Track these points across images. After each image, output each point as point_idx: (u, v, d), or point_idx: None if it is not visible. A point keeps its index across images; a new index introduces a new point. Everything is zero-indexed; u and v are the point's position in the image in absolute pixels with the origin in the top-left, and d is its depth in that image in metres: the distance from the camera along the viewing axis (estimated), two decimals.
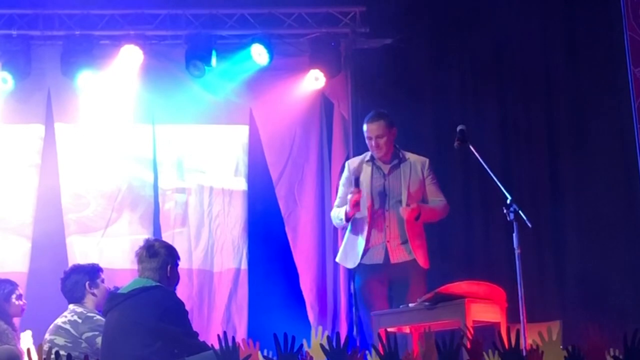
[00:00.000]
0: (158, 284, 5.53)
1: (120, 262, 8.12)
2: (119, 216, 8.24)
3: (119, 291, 5.76)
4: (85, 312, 6.22)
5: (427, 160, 6.85)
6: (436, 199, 6.79)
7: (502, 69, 8.47)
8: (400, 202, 6.69)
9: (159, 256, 5.59)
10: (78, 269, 6.47)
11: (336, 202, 6.99)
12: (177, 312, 5.45)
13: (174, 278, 5.67)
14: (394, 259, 6.65)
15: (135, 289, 5.52)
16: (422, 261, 6.69)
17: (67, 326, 6.16)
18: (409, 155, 6.86)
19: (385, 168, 6.79)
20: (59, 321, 6.25)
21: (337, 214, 6.85)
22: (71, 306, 6.35)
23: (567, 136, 8.29)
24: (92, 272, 6.42)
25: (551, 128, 8.35)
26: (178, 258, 5.71)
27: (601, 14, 8.18)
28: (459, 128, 6.46)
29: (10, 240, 8.02)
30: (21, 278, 7.49)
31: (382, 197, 6.72)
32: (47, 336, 6.20)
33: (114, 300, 5.57)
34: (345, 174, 6.92)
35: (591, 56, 8.20)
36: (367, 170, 6.78)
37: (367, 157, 6.83)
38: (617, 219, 7.97)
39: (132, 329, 5.32)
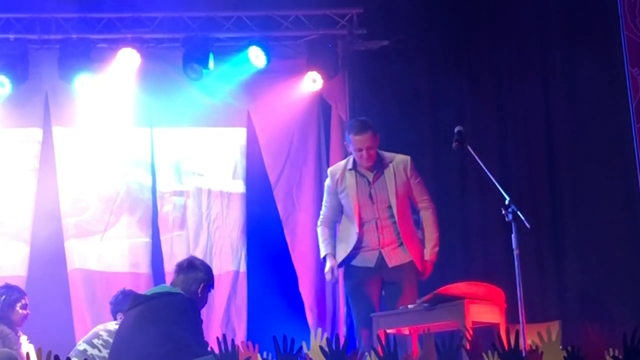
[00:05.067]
0: (180, 292, 5.59)
1: (119, 266, 8.12)
2: (118, 219, 8.23)
3: (142, 293, 5.82)
4: None
5: (409, 159, 6.71)
6: (422, 198, 6.70)
7: (500, 71, 8.47)
8: (390, 207, 6.59)
9: (198, 271, 5.69)
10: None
11: (323, 211, 6.83)
12: (191, 319, 5.49)
13: (203, 299, 5.74)
14: (391, 263, 6.57)
15: (159, 292, 5.63)
16: (418, 263, 6.61)
17: None
18: (390, 157, 6.71)
19: (370, 175, 6.64)
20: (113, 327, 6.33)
21: (320, 238, 6.76)
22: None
23: (565, 136, 8.29)
24: None
25: (549, 129, 8.34)
26: (213, 285, 5.81)
27: (598, 14, 8.18)
28: (456, 129, 6.45)
29: (9, 244, 8.02)
30: (20, 282, 7.48)
31: (369, 205, 6.62)
32: (105, 335, 6.33)
33: (136, 301, 5.64)
34: (329, 182, 6.77)
35: (589, 56, 8.20)
36: (350, 179, 6.65)
37: (350, 165, 6.69)
38: (615, 218, 7.96)
39: (145, 328, 5.37)
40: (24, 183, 8.12)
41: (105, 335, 6.32)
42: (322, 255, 6.76)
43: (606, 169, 8.06)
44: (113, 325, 6.42)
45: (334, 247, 6.69)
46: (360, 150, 6.58)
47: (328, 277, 6.69)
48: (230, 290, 8.18)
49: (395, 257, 6.59)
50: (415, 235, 6.70)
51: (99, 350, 6.28)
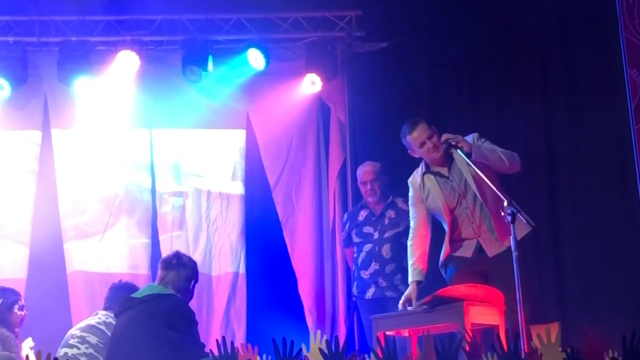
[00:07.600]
0: (172, 292, 5.58)
1: (119, 267, 8.13)
2: (117, 221, 8.24)
3: (132, 295, 5.80)
4: None
5: (475, 135, 6.35)
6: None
7: (499, 72, 8.47)
8: (473, 192, 6.26)
9: (187, 269, 5.70)
10: (128, 287, 6.55)
11: (411, 225, 6.49)
12: (187, 321, 5.48)
13: (192, 295, 5.78)
14: (491, 253, 6.29)
15: (150, 294, 5.58)
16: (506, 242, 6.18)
17: (102, 327, 6.25)
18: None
19: (444, 170, 6.35)
20: (92, 321, 6.34)
21: (409, 261, 6.43)
22: (102, 311, 6.44)
23: (564, 138, 8.30)
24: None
25: (549, 131, 8.35)
26: (198, 279, 5.84)
27: (597, 16, 8.19)
28: (442, 139, 6.35)
29: (8, 247, 8.02)
30: (20, 284, 7.49)
31: (454, 198, 6.31)
32: (78, 332, 6.27)
33: (127, 304, 5.60)
34: (411, 193, 6.46)
35: (587, 58, 8.21)
36: (430, 182, 6.36)
37: (423, 169, 6.39)
38: (615, 219, 7.97)
39: (140, 333, 5.36)
40: (23, 185, 8.13)
41: (78, 333, 6.30)
42: (409, 282, 6.43)
43: (605, 170, 8.06)
44: (84, 322, 6.41)
45: (420, 272, 6.34)
46: (423, 144, 6.28)
47: (400, 306, 6.27)
48: (229, 292, 8.19)
49: (493, 248, 6.31)
50: (502, 219, 6.04)
51: (78, 348, 6.25)
